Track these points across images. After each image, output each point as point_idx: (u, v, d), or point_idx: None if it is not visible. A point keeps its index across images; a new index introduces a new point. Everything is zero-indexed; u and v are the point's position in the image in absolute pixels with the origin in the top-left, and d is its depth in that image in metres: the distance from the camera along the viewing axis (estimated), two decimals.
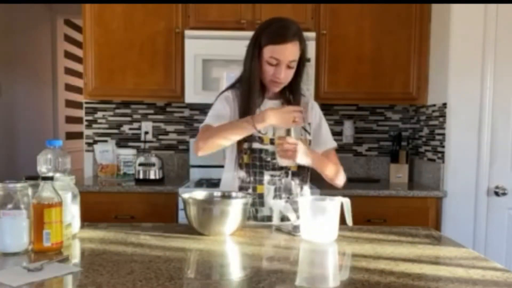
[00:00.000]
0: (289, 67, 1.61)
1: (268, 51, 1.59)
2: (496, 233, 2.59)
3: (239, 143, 1.64)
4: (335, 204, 1.38)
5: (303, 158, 1.58)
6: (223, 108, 1.67)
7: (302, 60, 1.65)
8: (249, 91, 1.64)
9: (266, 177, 1.67)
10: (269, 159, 1.66)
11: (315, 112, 1.78)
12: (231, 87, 1.75)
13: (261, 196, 1.67)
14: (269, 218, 1.67)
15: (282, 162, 1.65)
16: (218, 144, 1.58)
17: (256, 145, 1.65)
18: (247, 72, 1.65)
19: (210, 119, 1.66)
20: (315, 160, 1.63)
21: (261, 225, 1.62)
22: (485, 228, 2.59)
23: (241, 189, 1.67)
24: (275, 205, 1.66)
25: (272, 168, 1.67)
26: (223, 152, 1.76)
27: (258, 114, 1.55)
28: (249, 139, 1.63)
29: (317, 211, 1.36)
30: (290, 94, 1.71)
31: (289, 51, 1.59)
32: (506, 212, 2.60)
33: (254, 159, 1.66)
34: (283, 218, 1.65)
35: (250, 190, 1.66)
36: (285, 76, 1.63)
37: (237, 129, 1.56)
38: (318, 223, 1.36)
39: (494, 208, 2.59)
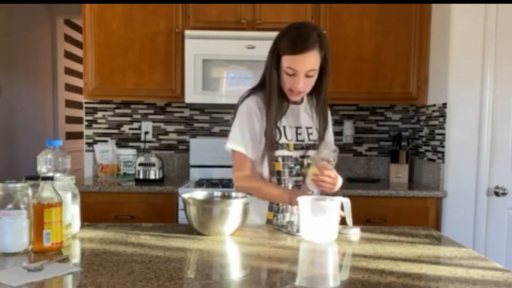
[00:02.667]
0: (308, 76, 1.57)
1: (286, 61, 1.56)
2: (496, 233, 2.59)
3: (269, 151, 1.62)
4: (335, 204, 1.38)
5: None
6: (253, 126, 1.64)
7: (325, 66, 1.61)
8: (270, 99, 1.61)
9: (290, 183, 1.66)
10: (293, 165, 1.66)
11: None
12: (253, 91, 1.69)
13: None
14: (292, 223, 1.65)
15: (312, 187, 1.58)
16: (254, 194, 1.61)
17: (285, 153, 1.64)
18: (267, 80, 1.63)
19: (242, 144, 1.63)
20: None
21: (261, 225, 1.62)
22: (485, 228, 2.59)
23: None
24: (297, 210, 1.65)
25: (296, 174, 1.67)
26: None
27: (296, 195, 1.50)
28: (279, 146, 1.63)
29: (317, 211, 1.36)
30: (315, 98, 1.69)
31: (306, 62, 1.54)
32: (506, 212, 2.60)
33: (284, 166, 1.65)
34: None
35: None
36: (303, 86, 1.58)
37: (274, 198, 1.63)
38: (318, 223, 1.36)
39: (494, 208, 2.59)
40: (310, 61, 1.54)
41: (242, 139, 1.63)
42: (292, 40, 1.55)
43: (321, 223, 1.36)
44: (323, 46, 1.56)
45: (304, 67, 1.54)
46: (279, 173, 1.66)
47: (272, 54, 1.60)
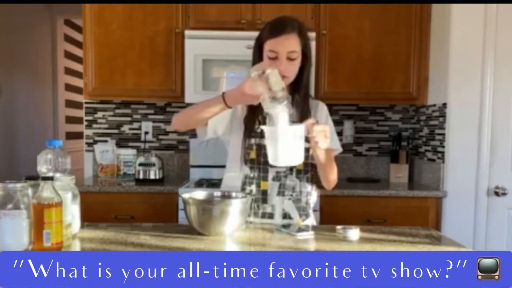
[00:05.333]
0: (290, 59, 1.57)
1: (267, 46, 1.58)
2: (496, 233, 2.59)
3: (245, 139, 1.63)
4: (300, 128, 1.38)
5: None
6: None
7: (306, 58, 1.61)
8: None
9: (271, 173, 1.64)
10: None
11: (323, 114, 1.73)
12: None
13: (264, 192, 1.64)
14: (271, 216, 1.64)
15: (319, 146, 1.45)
16: (190, 118, 1.60)
17: (263, 141, 1.59)
18: None
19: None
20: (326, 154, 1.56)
21: (261, 224, 1.62)
22: (485, 228, 2.59)
23: (244, 184, 1.65)
24: (278, 202, 1.64)
25: None
26: (225, 151, 1.75)
27: (231, 91, 1.49)
28: (257, 134, 1.61)
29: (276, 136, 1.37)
30: (297, 94, 1.65)
31: (287, 43, 1.55)
32: (506, 212, 2.60)
33: (259, 155, 1.63)
34: (285, 216, 1.63)
35: (253, 186, 1.64)
36: (287, 68, 1.57)
37: (208, 106, 1.54)
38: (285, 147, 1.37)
39: (494, 208, 2.59)
40: (291, 43, 1.56)
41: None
42: (274, 24, 1.60)
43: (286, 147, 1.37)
44: (302, 34, 1.59)
45: (284, 48, 1.56)
46: (252, 161, 1.64)
47: (255, 46, 1.63)
